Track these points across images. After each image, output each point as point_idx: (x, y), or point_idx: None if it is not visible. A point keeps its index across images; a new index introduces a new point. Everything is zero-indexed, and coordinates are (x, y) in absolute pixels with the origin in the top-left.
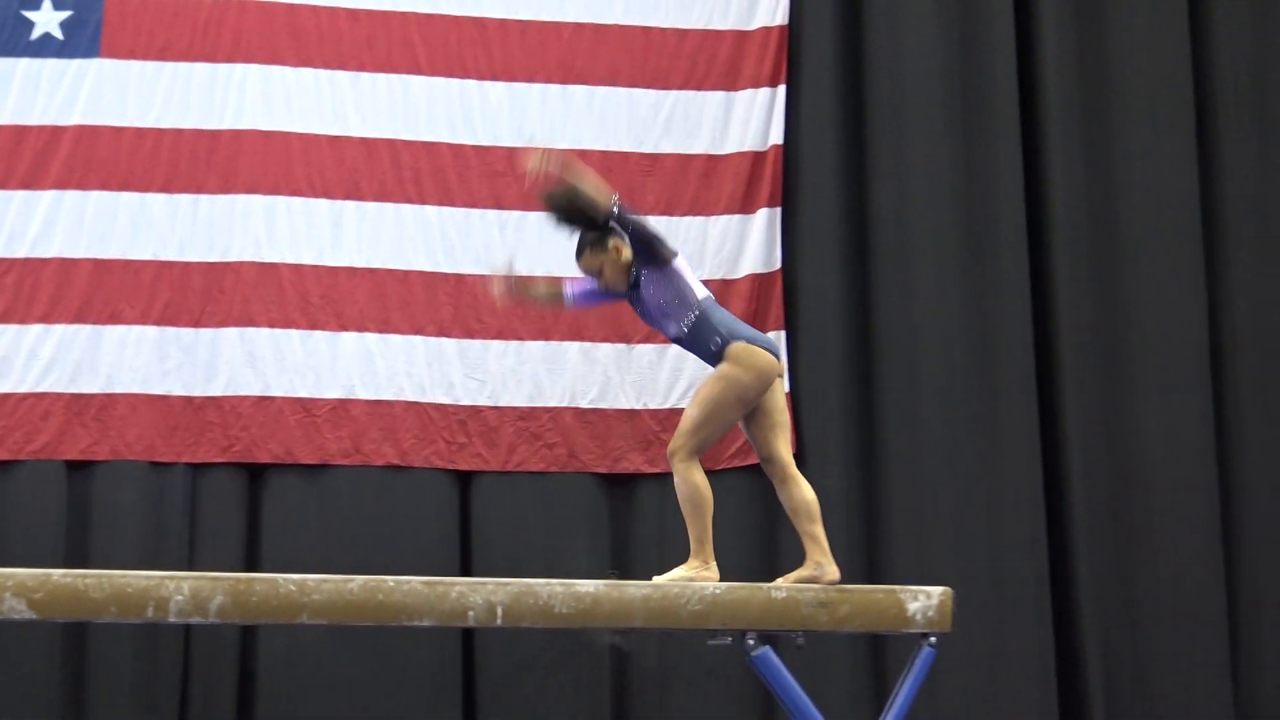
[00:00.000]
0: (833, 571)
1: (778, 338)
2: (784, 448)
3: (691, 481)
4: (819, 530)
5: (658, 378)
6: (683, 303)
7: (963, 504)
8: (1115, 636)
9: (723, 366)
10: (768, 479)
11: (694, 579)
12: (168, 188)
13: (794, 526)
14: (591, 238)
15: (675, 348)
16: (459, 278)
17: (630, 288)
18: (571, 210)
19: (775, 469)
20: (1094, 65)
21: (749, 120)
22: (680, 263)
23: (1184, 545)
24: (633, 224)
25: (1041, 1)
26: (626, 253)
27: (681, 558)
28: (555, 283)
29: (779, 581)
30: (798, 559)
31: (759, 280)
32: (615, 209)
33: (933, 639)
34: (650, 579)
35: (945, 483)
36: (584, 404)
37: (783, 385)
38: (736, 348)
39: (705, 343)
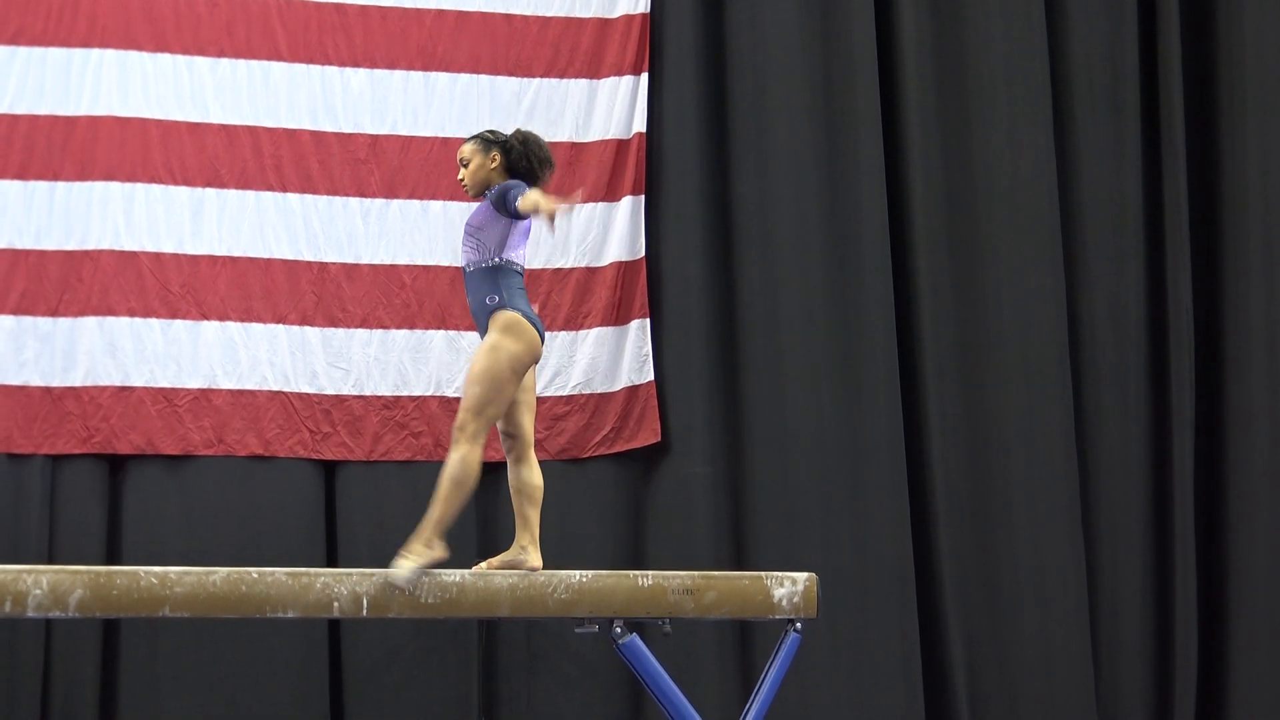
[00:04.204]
0: (535, 559)
1: (642, 326)
2: (530, 427)
3: (469, 462)
4: (535, 517)
5: None
6: (493, 245)
7: (827, 491)
8: (977, 621)
9: (492, 337)
10: (635, 467)
11: (424, 564)
12: (23, 175)
13: (513, 505)
14: (487, 136)
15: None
16: (322, 266)
17: (474, 197)
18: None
19: (518, 446)
20: (952, 54)
21: (612, 108)
22: (522, 225)
23: (1044, 532)
24: (521, 162)
25: None
26: (497, 163)
27: (549, 548)
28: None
29: (481, 565)
30: (663, 547)
31: (624, 268)
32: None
33: (798, 624)
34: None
35: (810, 470)
36: (449, 392)
37: (533, 369)
38: (509, 316)
39: (484, 292)
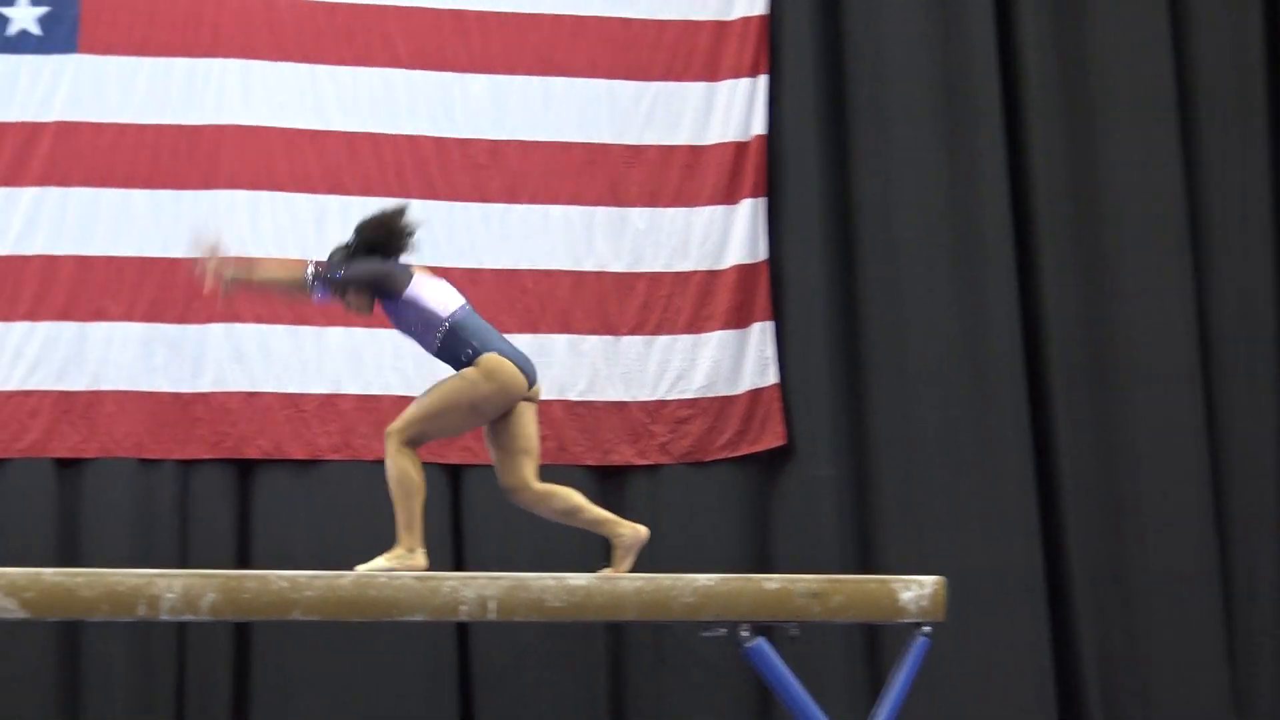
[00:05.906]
0: (633, 532)
1: (765, 329)
2: (532, 476)
3: (401, 465)
4: (597, 509)
5: (646, 369)
6: (427, 325)
7: (955, 492)
8: (1110, 624)
9: (470, 370)
10: (759, 470)
11: (396, 568)
12: (149, 184)
13: (581, 524)
14: (333, 258)
15: (662, 339)
16: (444, 272)
17: (370, 312)
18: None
19: (525, 497)
20: (1075, 54)
21: (730, 110)
22: (416, 285)
23: (1177, 533)
24: (344, 279)
25: None
26: (352, 300)
27: (674, 552)
28: (294, 266)
29: (607, 571)
30: (789, 550)
31: (745, 271)
32: (311, 278)
33: (927, 628)
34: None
35: (937, 471)
36: (572, 396)
37: (534, 413)
38: (489, 358)
39: (458, 355)
